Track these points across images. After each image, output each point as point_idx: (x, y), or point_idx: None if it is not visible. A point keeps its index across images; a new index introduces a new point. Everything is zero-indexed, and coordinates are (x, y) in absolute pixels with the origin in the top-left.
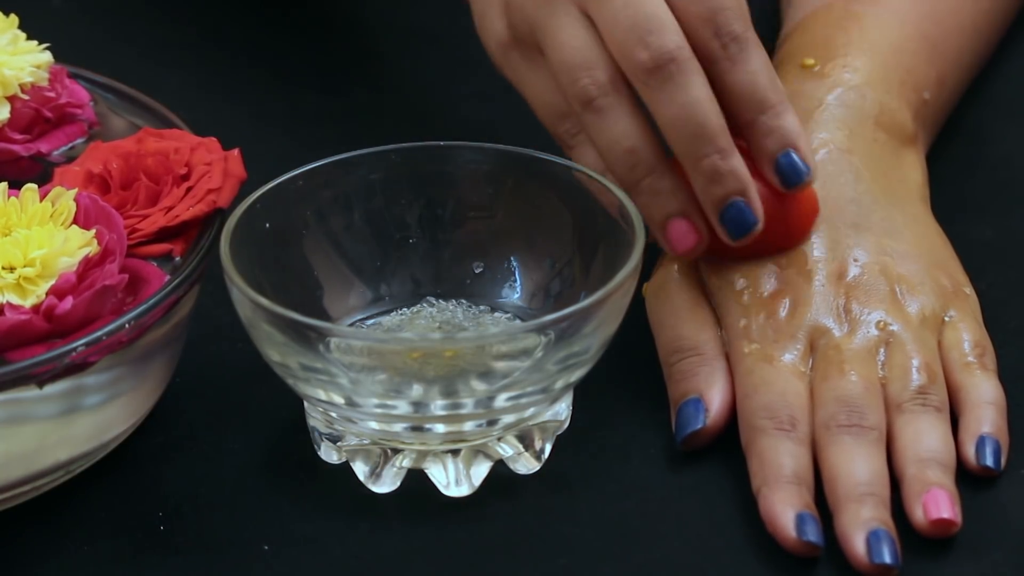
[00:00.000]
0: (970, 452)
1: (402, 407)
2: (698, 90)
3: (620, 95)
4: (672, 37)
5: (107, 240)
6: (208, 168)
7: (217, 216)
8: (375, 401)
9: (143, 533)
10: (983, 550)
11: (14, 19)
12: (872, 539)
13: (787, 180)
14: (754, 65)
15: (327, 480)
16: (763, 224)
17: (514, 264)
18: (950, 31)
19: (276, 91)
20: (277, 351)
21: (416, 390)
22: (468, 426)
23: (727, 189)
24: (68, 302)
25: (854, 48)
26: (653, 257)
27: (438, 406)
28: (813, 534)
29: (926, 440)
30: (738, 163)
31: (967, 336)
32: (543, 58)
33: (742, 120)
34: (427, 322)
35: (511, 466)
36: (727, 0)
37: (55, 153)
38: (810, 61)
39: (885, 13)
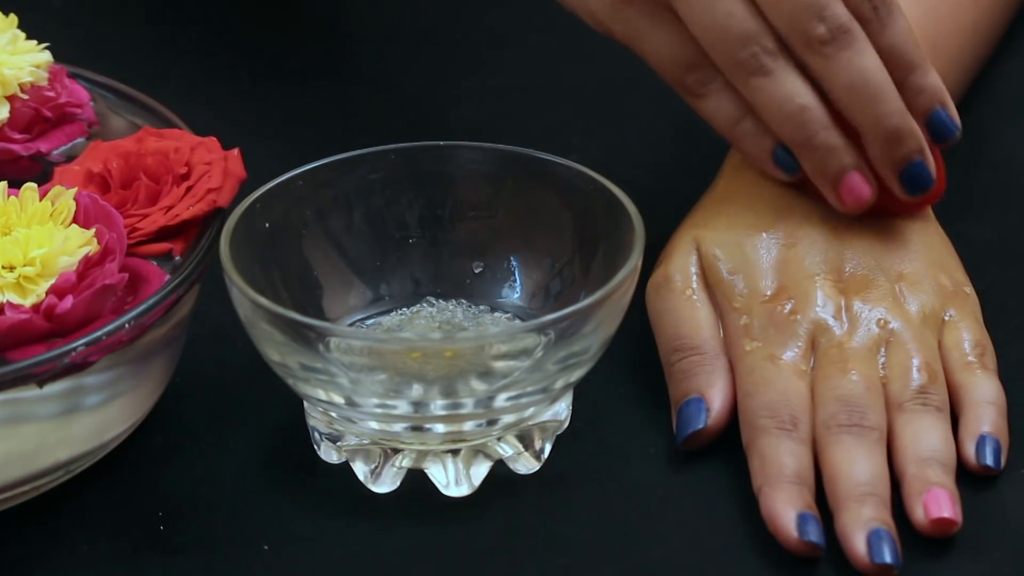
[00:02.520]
0: (970, 452)
1: (402, 407)
2: (873, 56)
3: (787, 59)
4: (842, 9)
5: (107, 239)
6: (208, 167)
7: (217, 215)
8: (375, 401)
9: (143, 533)
10: (983, 550)
11: (14, 19)
12: (873, 539)
13: (939, 135)
14: (900, 26)
15: (327, 480)
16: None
17: (514, 264)
18: (951, 31)
19: (276, 91)
20: (277, 351)
21: (416, 390)
22: (468, 426)
23: (908, 148)
24: (68, 301)
25: None
26: (653, 256)
27: (438, 406)
28: (814, 534)
29: (926, 439)
30: (914, 124)
31: (967, 336)
32: (669, 14)
33: (892, 79)
34: (427, 322)
35: (511, 466)
36: None
37: (55, 152)
38: None
39: None
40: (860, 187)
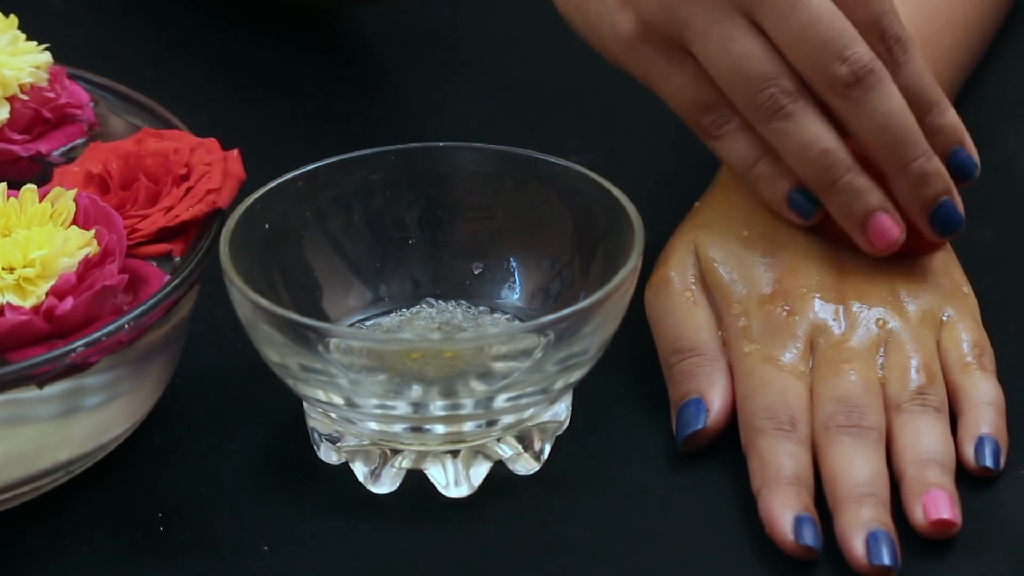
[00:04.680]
0: (969, 453)
1: (401, 408)
2: (897, 97)
3: (807, 100)
4: (864, 48)
5: (107, 240)
6: (208, 168)
7: (217, 216)
8: (374, 402)
9: (143, 533)
10: (982, 550)
11: (14, 20)
12: (871, 540)
13: (958, 175)
14: (916, 66)
15: (326, 481)
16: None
17: (513, 265)
18: (942, 27)
19: (276, 92)
20: (276, 352)
21: (415, 391)
22: (468, 427)
23: (936, 189)
24: (68, 303)
25: None
26: (653, 257)
27: (437, 407)
28: (811, 538)
29: (925, 440)
30: (940, 165)
31: (966, 336)
32: (684, 55)
33: None
34: (426, 323)
35: (510, 467)
36: (886, 3)
37: (55, 154)
38: None
39: None
40: (889, 228)
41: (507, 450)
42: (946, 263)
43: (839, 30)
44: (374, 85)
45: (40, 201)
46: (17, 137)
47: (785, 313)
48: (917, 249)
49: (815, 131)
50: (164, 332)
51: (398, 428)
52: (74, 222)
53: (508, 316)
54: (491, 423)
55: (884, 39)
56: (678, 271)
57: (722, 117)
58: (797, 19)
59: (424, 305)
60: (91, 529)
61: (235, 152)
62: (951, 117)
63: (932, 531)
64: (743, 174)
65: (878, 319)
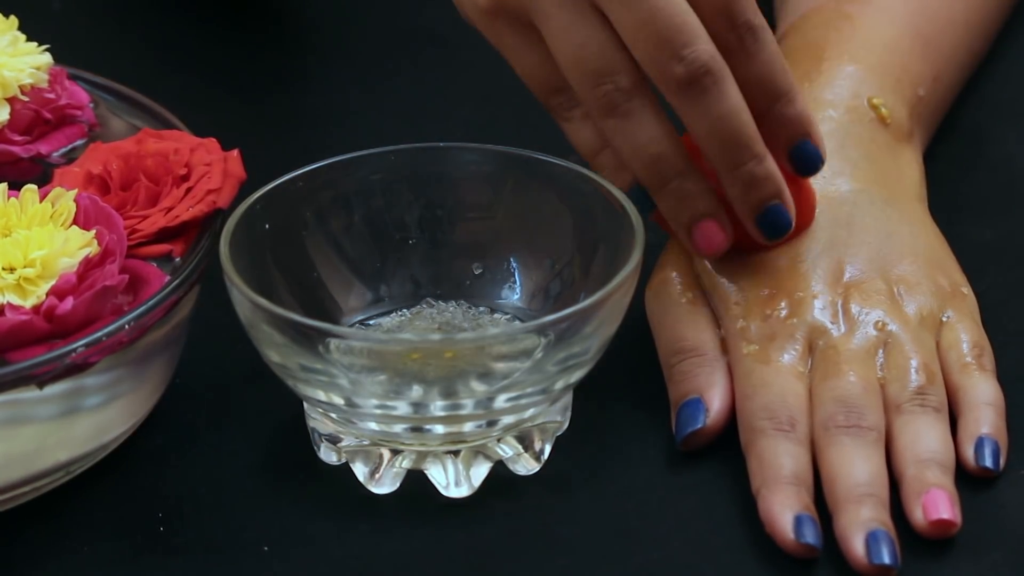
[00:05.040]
0: (969, 453)
1: (402, 408)
2: (734, 99)
3: (644, 99)
4: (704, 46)
5: (107, 241)
6: (208, 169)
7: (217, 217)
8: (375, 402)
9: (143, 534)
10: (982, 551)
11: (14, 21)
12: (871, 540)
13: (802, 167)
14: (767, 54)
15: (327, 481)
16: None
17: (514, 265)
18: (943, 27)
19: (276, 92)
20: (277, 352)
21: (416, 391)
22: (468, 427)
23: (765, 193)
24: (68, 303)
25: (847, 48)
26: (653, 258)
27: (438, 407)
28: (811, 536)
29: (925, 441)
30: (772, 166)
31: (965, 337)
32: (536, 34)
33: (756, 110)
34: (427, 323)
35: (511, 467)
36: None
37: (55, 154)
38: (877, 100)
39: (876, 12)
40: (714, 234)
41: (507, 450)
42: (946, 263)
43: (680, 25)
44: (374, 84)
45: (40, 201)
46: (17, 138)
47: (784, 314)
48: (750, 248)
49: (648, 133)
50: (164, 332)
51: (398, 428)
52: (74, 222)
53: (508, 316)
54: (491, 423)
55: (734, 27)
56: (678, 272)
57: (570, 101)
58: (639, 10)
59: (424, 305)
60: (91, 529)
61: (235, 152)
62: (799, 107)
63: (932, 531)
64: (589, 160)
65: (877, 320)
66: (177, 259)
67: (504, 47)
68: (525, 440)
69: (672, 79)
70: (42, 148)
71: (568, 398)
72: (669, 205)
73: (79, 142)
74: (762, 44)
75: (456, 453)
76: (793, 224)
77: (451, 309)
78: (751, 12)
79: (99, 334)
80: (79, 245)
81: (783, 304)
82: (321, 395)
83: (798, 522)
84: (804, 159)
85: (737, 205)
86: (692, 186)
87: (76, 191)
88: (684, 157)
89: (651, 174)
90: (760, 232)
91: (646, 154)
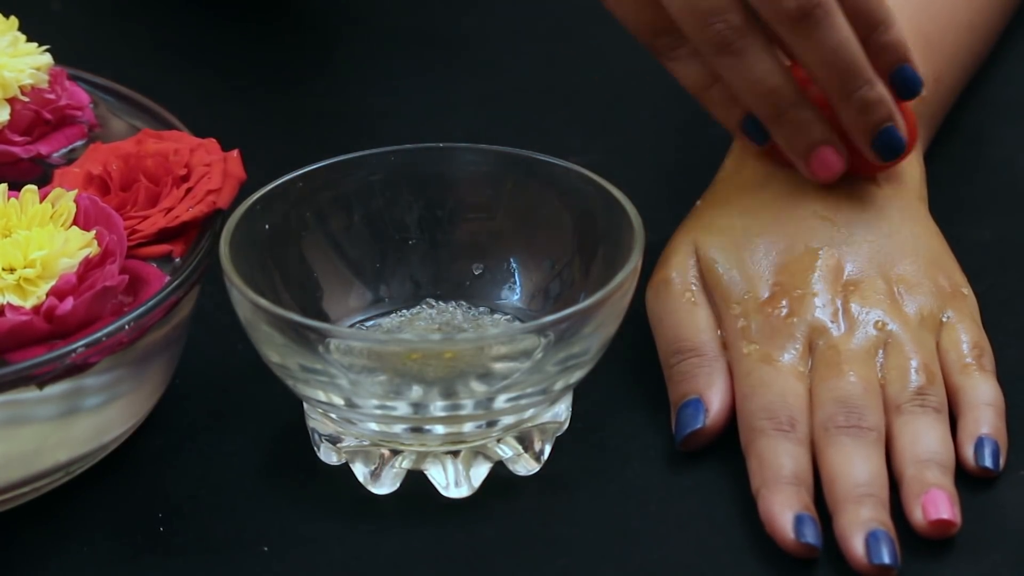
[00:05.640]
0: (969, 453)
1: (402, 408)
2: (844, 29)
3: (755, 36)
4: None
5: (107, 241)
6: (208, 169)
7: (217, 217)
8: (375, 402)
9: (143, 534)
10: (982, 551)
11: (14, 21)
12: (871, 540)
13: (904, 91)
14: None
15: (327, 481)
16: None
17: (513, 265)
18: (946, 28)
19: (276, 93)
20: (277, 352)
21: (416, 391)
22: (468, 427)
23: (879, 116)
24: (68, 303)
25: None
26: (653, 258)
27: (438, 407)
28: (811, 536)
29: (925, 441)
30: (884, 91)
31: (965, 337)
32: None
33: (858, 39)
34: (427, 323)
35: (511, 467)
36: None
37: (55, 155)
38: None
39: None
40: (831, 160)
41: (507, 451)
42: (946, 264)
43: None
44: (374, 85)
45: (40, 202)
46: (17, 139)
47: (784, 314)
48: (865, 172)
49: (762, 68)
50: (164, 333)
51: (398, 429)
52: (74, 223)
53: (508, 317)
54: (491, 424)
55: None
56: (678, 272)
57: (676, 40)
58: None
59: (424, 306)
60: (91, 530)
61: (235, 153)
62: (896, 34)
63: (932, 531)
64: (697, 96)
65: (877, 321)
66: (177, 259)
67: None
68: (525, 440)
69: (784, 13)
70: (42, 149)
71: (568, 398)
72: (787, 134)
73: (79, 143)
74: None
75: (456, 453)
76: (907, 146)
77: (451, 310)
78: None
79: (99, 334)
80: (79, 245)
81: (783, 304)
82: (321, 395)
83: (798, 522)
84: (905, 82)
85: (853, 130)
86: (807, 115)
87: (76, 192)
88: (797, 89)
89: (768, 106)
90: (876, 154)
91: (763, 87)
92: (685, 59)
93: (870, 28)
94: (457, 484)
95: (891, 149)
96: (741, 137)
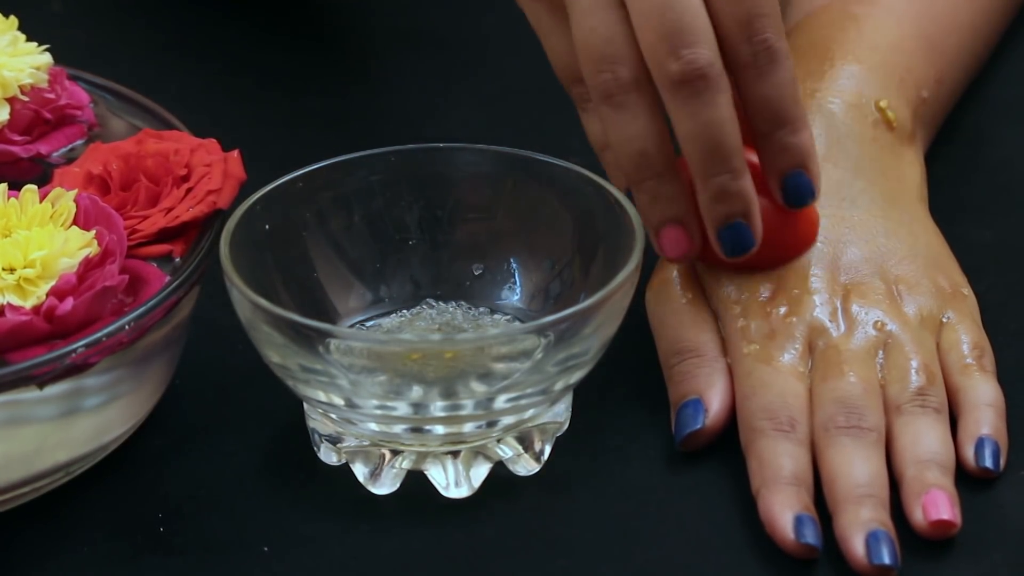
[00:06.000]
0: (969, 454)
1: (402, 408)
2: (722, 110)
3: (640, 94)
4: (704, 52)
5: (107, 241)
6: (208, 169)
7: (217, 217)
8: (375, 402)
9: (143, 534)
10: (982, 551)
11: (14, 21)
12: (871, 540)
13: (792, 200)
14: (780, 78)
15: (327, 481)
16: (760, 244)
17: (514, 266)
18: (948, 30)
19: (276, 93)
20: (277, 352)
21: (416, 391)
22: (468, 427)
23: (732, 209)
24: (68, 303)
25: (852, 48)
26: (653, 258)
27: (438, 407)
28: (811, 536)
29: (925, 441)
30: (747, 184)
31: (965, 338)
32: (567, 18)
33: (758, 130)
34: (427, 324)
35: (511, 467)
36: (765, 6)
37: (55, 154)
38: (884, 103)
39: (882, 13)
40: (680, 240)
41: (507, 451)
42: (946, 264)
43: (687, 24)
44: (374, 85)
45: (40, 202)
46: (17, 138)
47: (783, 315)
48: (716, 264)
49: (636, 129)
50: (164, 333)
51: (398, 429)
52: (74, 223)
53: (508, 317)
54: (491, 424)
55: (751, 42)
56: (678, 272)
57: (588, 91)
58: (652, 2)
59: (424, 306)
60: (91, 530)
61: (235, 153)
62: (803, 138)
63: (932, 532)
64: (597, 152)
65: (877, 321)
66: (177, 259)
67: (539, 27)
68: (525, 440)
69: (666, 75)
70: (42, 148)
71: (568, 398)
72: (643, 203)
73: (79, 142)
74: (776, 66)
75: (456, 454)
76: (755, 245)
77: (451, 310)
78: (773, 32)
79: (99, 334)
80: (79, 245)
81: (783, 304)
82: (321, 395)
83: (798, 522)
84: (796, 190)
85: (704, 214)
86: (667, 189)
87: (76, 191)
88: (667, 160)
89: (631, 168)
90: (720, 245)
91: (631, 148)
92: (591, 112)
93: (776, 124)
94: (457, 484)
95: (736, 245)
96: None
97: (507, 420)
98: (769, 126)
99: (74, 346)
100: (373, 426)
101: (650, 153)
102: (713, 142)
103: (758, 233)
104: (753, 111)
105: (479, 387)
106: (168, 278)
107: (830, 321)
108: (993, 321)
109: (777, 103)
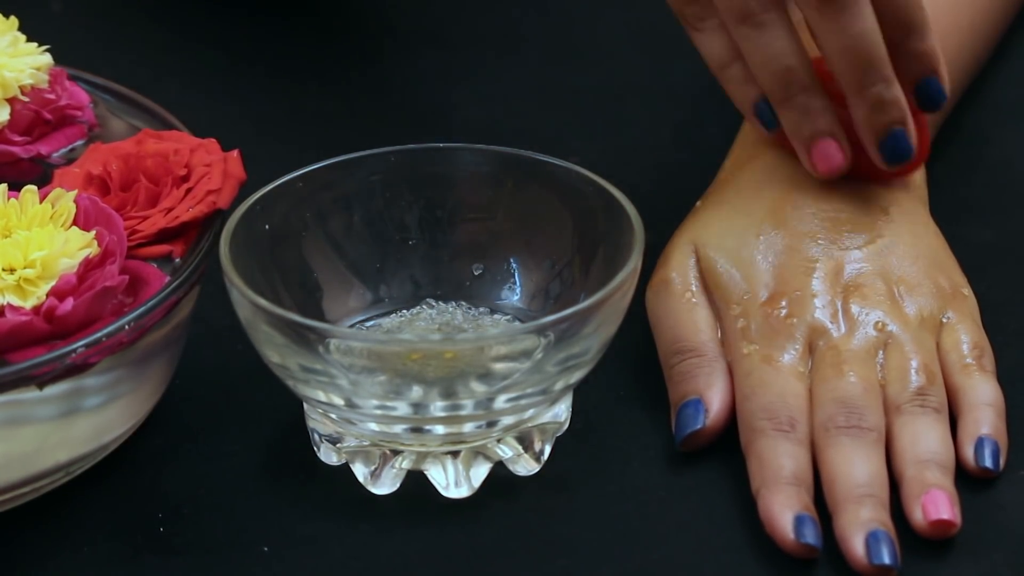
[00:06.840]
0: (969, 454)
1: (402, 408)
2: (869, 20)
3: (780, 12)
4: None
5: (107, 241)
6: (208, 169)
7: (217, 217)
8: (375, 403)
9: (143, 534)
10: (982, 551)
11: (14, 21)
12: (871, 540)
13: (926, 103)
14: None
15: (327, 481)
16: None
17: (514, 266)
18: (948, 31)
19: (275, 93)
20: (277, 352)
21: (416, 391)
22: (468, 427)
23: (890, 117)
24: (68, 303)
25: None
26: (653, 258)
27: (438, 407)
28: (811, 536)
29: (925, 441)
30: (900, 92)
31: (965, 338)
32: None
33: (887, 39)
34: (427, 324)
35: (511, 468)
36: None
37: (55, 155)
38: None
39: None
40: (832, 154)
41: (507, 451)
42: (946, 264)
43: None
44: (374, 85)
45: (40, 202)
46: (17, 138)
47: (783, 315)
48: (870, 176)
49: (780, 45)
50: (164, 333)
51: (398, 429)
52: (74, 223)
53: (508, 317)
54: (491, 424)
55: None
56: (678, 272)
57: (704, 10)
58: None
59: (424, 306)
60: (91, 530)
61: (235, 153)
62: (930, 44)
63: (932, 531)
64: (716, 72)
65: (877, 321)
66: (177, 260)
67: None
68: (525, 441)
69: None
70: (42, 148)
71: (568, 398)
72: (792, 119)
73: (79, 142)
74: None
75: (456, 454)
76: (914, 153)
77: (451, 310)
78: None
79: (99, 335)
80: (79, 246)
81: (783, 304)
82: (321, 396)
83: (798, 522)
84: (929, 95)
85: (862, 126)
86: (817, 103)
87: (76, 192)
88: (812, 74)
89: (778, 86)
90: (881, 156)
91: (776, 65)
92: (710, 32)
93: (904, 32)
94: (457, 484)
95: (897, 153)
96: (752, 120)
97: (507, 420)
98: (899, 33)
99: (74, 346)
100: (373, 426)
101: (796, 68)
102: (866, 53)
103: (915, 140)
104: (883, 21)
105: (479, 387)
106: (168, 278)
107: (831, 321)
108: (993, 321)
109: (905, 10)
